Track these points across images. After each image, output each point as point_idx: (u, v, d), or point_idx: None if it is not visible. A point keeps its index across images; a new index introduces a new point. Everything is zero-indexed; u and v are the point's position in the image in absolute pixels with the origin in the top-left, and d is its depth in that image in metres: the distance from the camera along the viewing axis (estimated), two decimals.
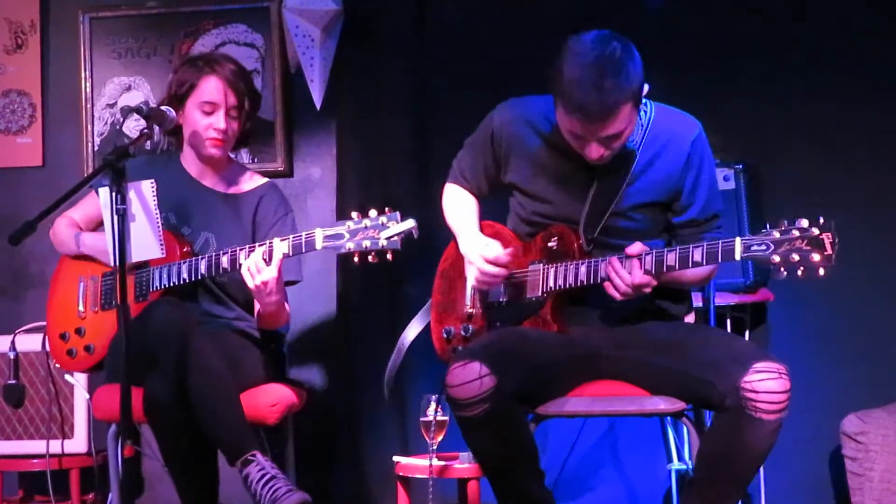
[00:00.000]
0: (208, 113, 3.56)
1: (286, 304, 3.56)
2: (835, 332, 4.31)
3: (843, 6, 4.35)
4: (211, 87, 3.55)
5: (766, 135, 4.39)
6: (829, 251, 2.71)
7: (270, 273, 3.29)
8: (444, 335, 3.35)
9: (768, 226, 2.80)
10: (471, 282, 3.27)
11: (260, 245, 3.32)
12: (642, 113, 3.14)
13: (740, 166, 4.15)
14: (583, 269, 3.07)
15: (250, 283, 3.32)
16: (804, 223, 2.74)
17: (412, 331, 3.63)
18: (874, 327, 4.30)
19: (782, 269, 2.75)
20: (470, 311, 3.32)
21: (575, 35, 2.99)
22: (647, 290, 2.98)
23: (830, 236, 2.71)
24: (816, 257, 2.71)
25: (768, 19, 4.41)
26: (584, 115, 2.92)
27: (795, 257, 2.73)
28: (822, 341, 4.30)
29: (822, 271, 2.72)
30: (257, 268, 3.29)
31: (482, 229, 3.34)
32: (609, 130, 2.96)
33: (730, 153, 4.13)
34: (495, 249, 3.17)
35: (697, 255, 2.89)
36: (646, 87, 3.01)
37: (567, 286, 3.10)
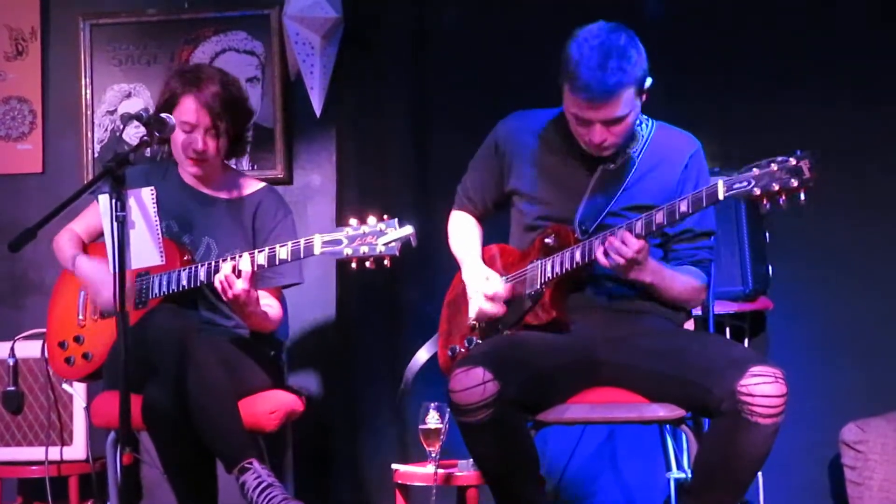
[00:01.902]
0: (187, 132, 3.57)
1: (269, 312, 3.55)
2: (834, 340, 4.31)
3: (843, 13, 4.36)
4: (187, 108, 3.55)
5: (765, 141, 4.37)
6: (808, 175, 2.72)
7: (241, 286, 3.29)
8: (449, 353, 3.37)
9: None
10: (472, 314, 3.28)
11: (232, 258, 3.33)
12: (643, 127, 3.19)
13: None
14: (577, 252, 3.11)
15: (224, 297, 3.33)
16: (782, 157, 2.77)
17: (420, 359, 3.63)
18: (874, 336, 4.30)
19: (765, 200, 2.78)
20: (473, 323, 3.33)
21: (583, 25, 3.09)
22: (640, 255, 3.00)
23: (808, 162, 2.73)
24: (795, 182, 2.73)
25: (767, 27, 4.41)
26: (588, 95, 3.01)
27: (776, 186, 2.75)
28: (822, 350, 4.30)
29: (802, 196, 2.74)
30: (228, 282, 3.30)
31: (483, 254, 3.40)
32: (611, 112, 3.04)
33: (728, 160, 4.13)
34: (494, 285, 3.22)
35: (684, 206, 2.93)
36: (649, 81, 3.07)
37: (564, 271, 3.13)
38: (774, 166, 2.76)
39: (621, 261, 2.99)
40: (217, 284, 3.33)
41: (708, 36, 4.42)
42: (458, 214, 3.52)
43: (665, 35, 4.32)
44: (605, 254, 3.02)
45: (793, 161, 2.75)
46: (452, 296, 3.47)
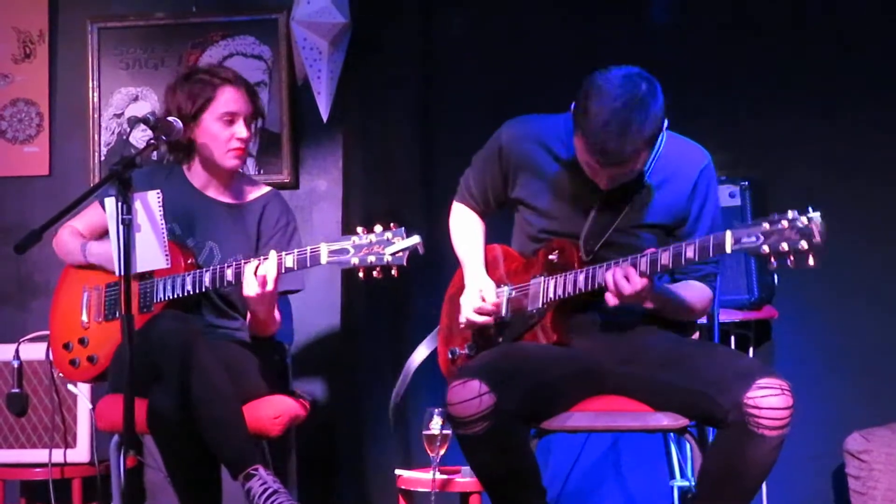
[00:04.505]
0: (230, 122, 3.56)
1: (276, 313, 3.55)
2: (839, 349, 4.31)
3: (846, 25, 4.36)
4: (229, 98, 3.56)
5: (772, 151, 4.40)
6: (818, 239, 2.68)
7: (267, 286, 3.29)
8: (450, 355, 3.36)
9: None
10: (461, 320, 3.29)
11: (256, 259, 3.32)
12: None
13: (746, 183, 4.15)
14: (581, 277, 3.08)
15: (247, 291, 3.32)
16: (793, 213, 2.72)
17: (419, 355, 3.63)
18: (879, 345, 4.31)
19: (773, 259, 2.73)
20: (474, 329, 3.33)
21: (602, 71, 3.00)
22: (644, 293, 2.97)
23: (819, 224, 2.69)
24: (805, 245, 2.69)
25: (773, 38, 4.42)
26: (603, 159, 2.97)
27: (785, 247, 2.71)
28: (827, 359, 4.30)
29: (811, 260, 2.69)
30: (264, 280, 3.29)
31: (486, 253, 3.38)
32: (624, 171, 3.02)
33: (735, 170, 4.13)
34: (486, 299, 3.22)
35: (690, 252, 2.89)
36: (665, 123, 3.02)
37: (566, 294, 3.11)
38: (785, 223, 2.71)
39: (617, 295, 2.97)
40: (258, 279, 3.29)
41: (716, 45, 4.43)
42: (460, 208, 3.48)
43: (673, 44, 4.34)
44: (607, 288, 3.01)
45: (804, 220, 2.70)
46: (454, 290, 3.45)
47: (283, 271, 3.28)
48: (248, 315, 3.54)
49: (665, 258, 2.93)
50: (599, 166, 3.00)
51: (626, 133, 2.91)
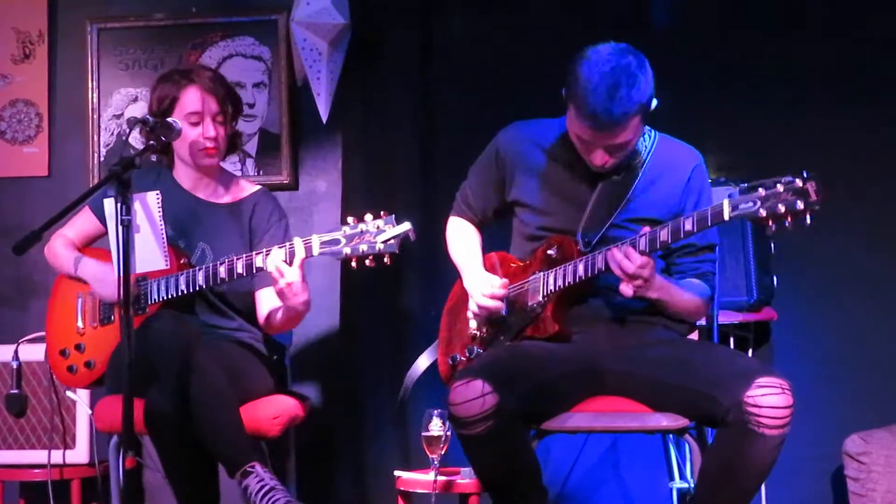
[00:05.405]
0: (195, 124, 3.56)
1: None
2: (838, 351, 4.31)
3: (845, 27, 4.36)
4: (192, 98, 3.54)
5: (771, 153, 4.39)
6: (814, 197, 2.71)
7: (293, 275, 3.26)
8: (450, 362, 3.36)
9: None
10: (471, 310, 3.29)
11: (280, 247, 3.29)
12: (646, 137, 3.19)
13: (745, 185, 4.14)
14: (581, 265, 3.10)
15: (276, 286, 3.31)
16: (787, 177, 2.75)
17: (421, 365, 3.62)
18: (878, 347, 4.30)
19: (771, 222, 2.76)
20: (474, 332, 3.33)
21: (593, 45, 3.06)
22: (646, 272, 2.98)
23: (814, 185, 2.72)
24: (801, 205, 2.71)
25: (773, 40, 4.42)
26: (594, 122, 3.01)
27: (781, 208, 2.74)
28: (826, 360, 4.30)
29: (808, 219, 2.72)
30: (279, 271, 3.27)
31: (484, 262, 3.39)
32: (616, 140, 3.05)
33: (734, 171, 4.13)
34: (494, 282, 3.22)
35: (689, 225, 2.92)
36: (654, 102, 3.06)
37: (566, 284, 3.12)
38: (780, 187, 2.74)
39: (622, 274, 2.98)
40: (273, 271, 3.26)
41: (716, 47, 4.42)
42: (457, 221, 3.50)
43: (674, 44, 4.33)
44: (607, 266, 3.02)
45: (799, 182, 2.73)
46: (452, 303, 3.46)
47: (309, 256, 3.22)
48: (280, 314, 3.50)
49: (664, 234, 2.96)
50: (591, 134, 3.04)
51: (615, 93, 2.96)
